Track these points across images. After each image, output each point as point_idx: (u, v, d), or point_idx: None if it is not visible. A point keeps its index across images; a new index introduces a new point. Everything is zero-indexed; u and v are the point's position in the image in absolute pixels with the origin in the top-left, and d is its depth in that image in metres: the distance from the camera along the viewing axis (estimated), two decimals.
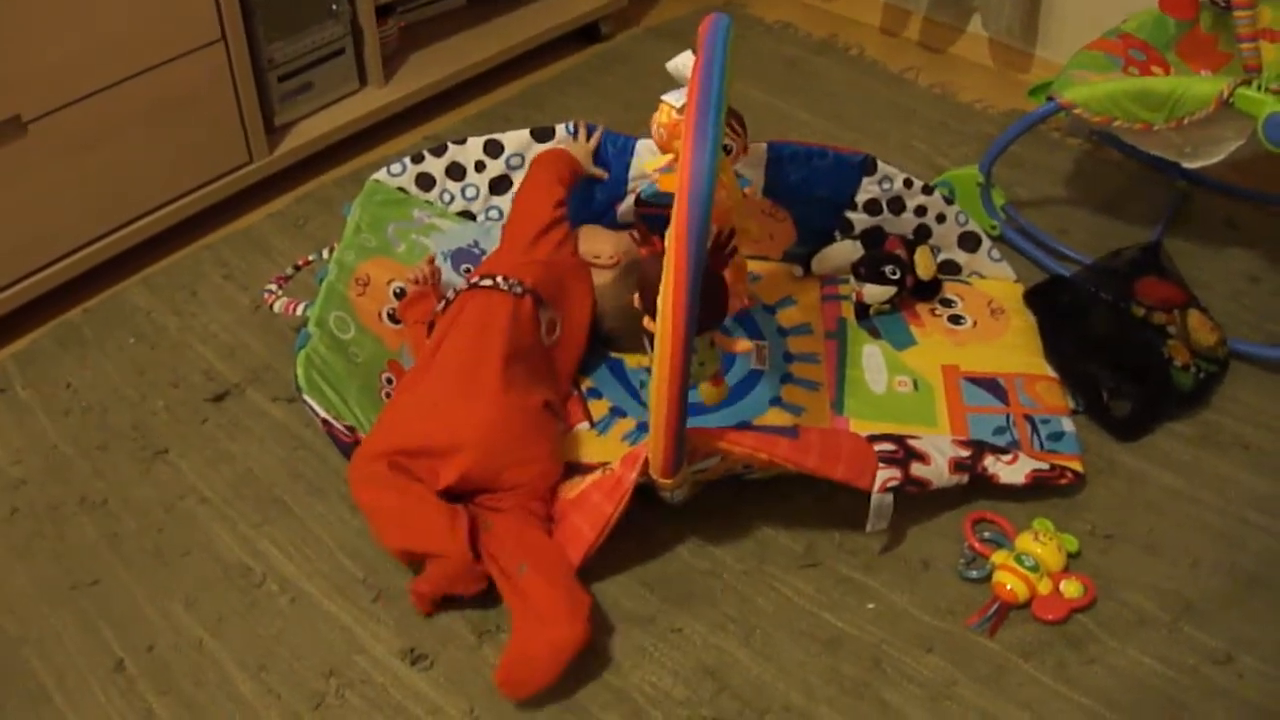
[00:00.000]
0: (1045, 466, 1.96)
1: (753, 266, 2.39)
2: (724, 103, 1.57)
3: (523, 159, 2.41)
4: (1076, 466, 1.98)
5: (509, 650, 1.71)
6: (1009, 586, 1.80)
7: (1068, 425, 2.06)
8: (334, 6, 2.65)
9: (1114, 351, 2.12)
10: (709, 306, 1.62)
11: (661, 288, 1.56)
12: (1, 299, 2.25)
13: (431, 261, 2.22)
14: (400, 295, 2.21)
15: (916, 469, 1.87)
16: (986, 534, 1.90)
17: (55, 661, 1.76)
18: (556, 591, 1.72)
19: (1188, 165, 2.15)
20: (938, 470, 1.89)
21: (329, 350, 2.03)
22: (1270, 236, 2.51)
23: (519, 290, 2.02)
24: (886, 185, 2.31)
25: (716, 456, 1.80)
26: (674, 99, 1.88)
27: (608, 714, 1.68)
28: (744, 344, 1.96)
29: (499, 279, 2.04)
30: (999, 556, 1.84)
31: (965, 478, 1.92)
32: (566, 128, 2.39)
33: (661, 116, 1.89)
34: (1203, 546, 1.91)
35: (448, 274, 2.30)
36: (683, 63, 1.88)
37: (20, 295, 2.28)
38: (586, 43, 3.27)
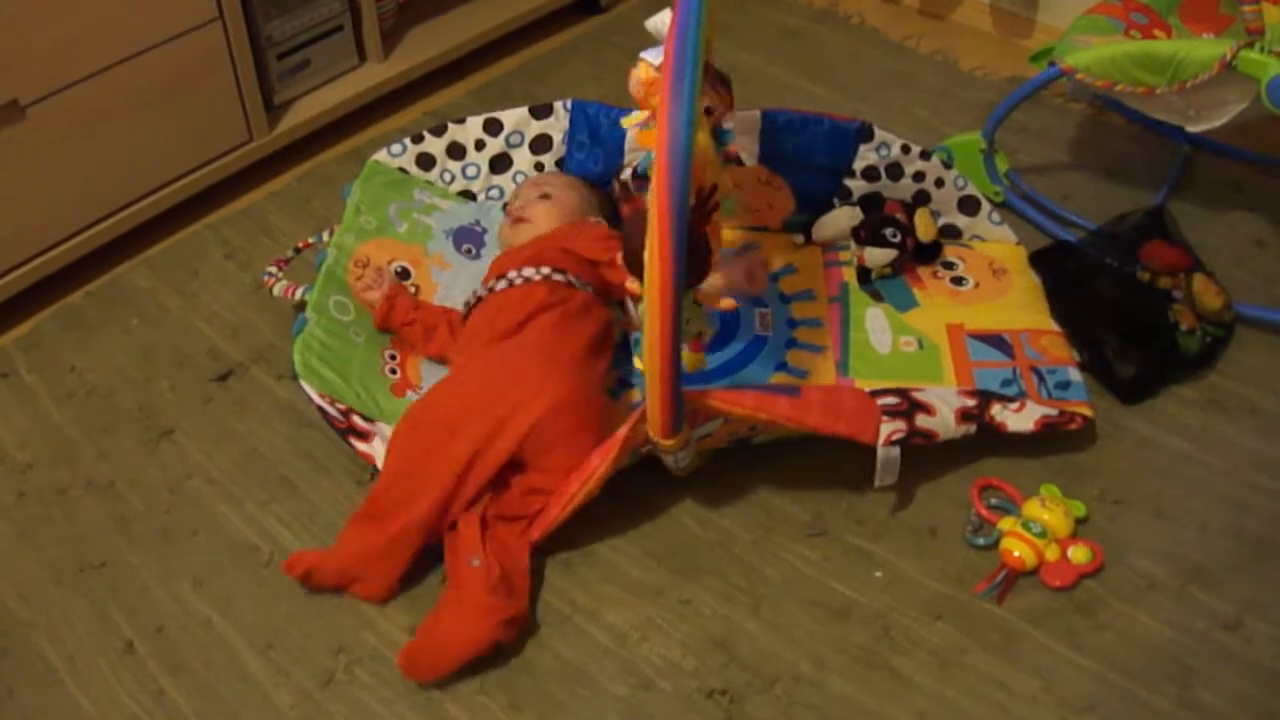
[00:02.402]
0: (1054, 412, 1.95)
1: (752, 236, 2.38)
2: (700, 56, 1.56)
3: (522, 136, 2.41)
4: (1086, 411, 1.97)
5: (421, 632, 1.72)
6: (1017, 553, 1.80)
7: (1075, 375, 2.05)
8: None
9: (1119, 316, 2.11)
10: (690, 263, 1.61)
11: (647, 241, 1.55)
12: (3, 284, 2.25)
13: (379, 270, 2.17)
14: (402, 274, 2.21)
15: (922, 420, 1.86)
16: (993, 501, 1.90)
17: (65, 644, 1.76)
18: (494, 596, 1.72)
19: (1191, 129, 2.14)
20: (944, 421, 1.88)
21: (327, 334, 2.04)
22: (1275, 199, 2.50)
23: (589, 289, 2.05)
24: (884, 152, 2.30)
25: (719, 420, 1.80)
26: (652, 56, 1.86)
27: (616, 685, 1.69)
28: (728, 301, 1.94)
29: (571, 277, 2.05)
30: (1006, 523, 1.84)
31: (973, 428, 1.91)
32: (564, 105, 2.38)
33: (640, 73, 1.88)
34: (1211, 511, 1.91)
35: (449, 253, 2.30)
36: (661, 21, 1.86)
37: (22, 279, 2.27)
38: (586, 14, 3.25)
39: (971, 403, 1.93)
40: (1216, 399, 2.08)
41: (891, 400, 1.88)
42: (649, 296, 1.57)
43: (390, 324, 2.12)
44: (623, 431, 1.75)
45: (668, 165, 1.51)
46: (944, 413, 1.89)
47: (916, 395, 1.90)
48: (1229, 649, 1.71)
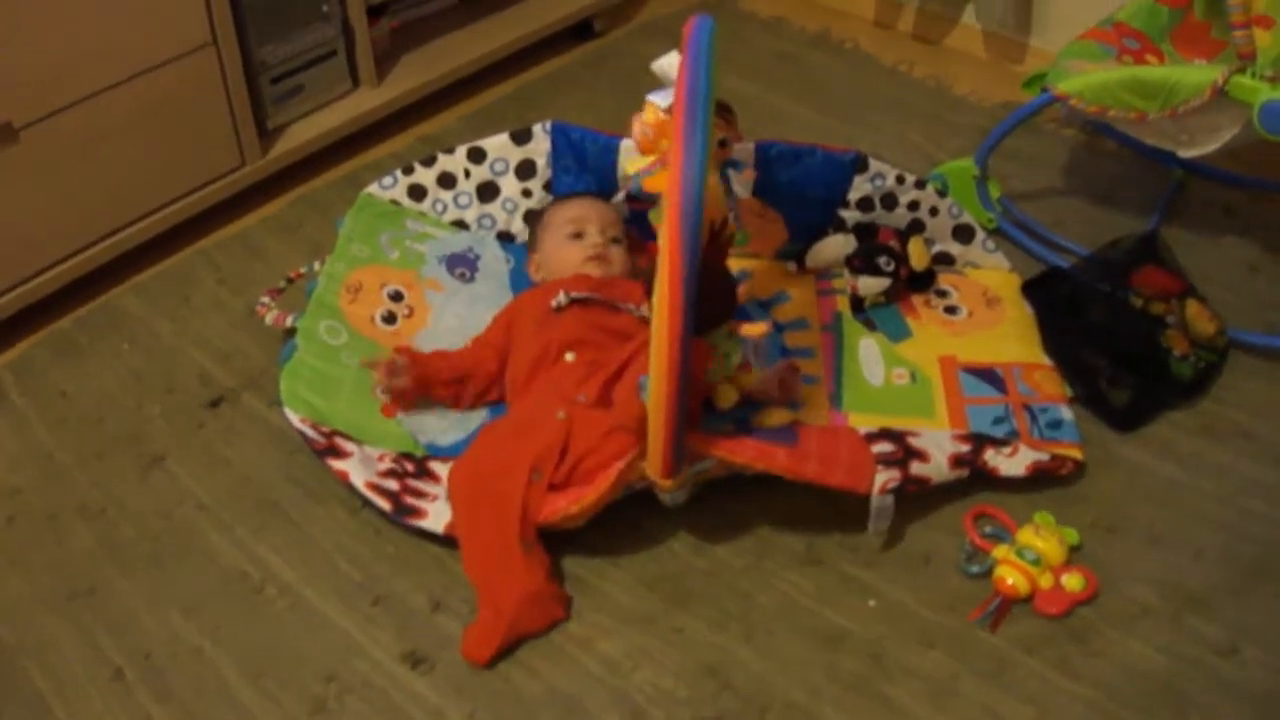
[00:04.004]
0: (1045, 457, 1.95)
1: (745, 263, 2.38)
2: (711, 106, 1.56)
3: (506, 164, 2.40)
4: (1076, 455, 1.97)
5: (487, 616, 1.75)
6: (1010, 581, 1.79)
7: (1066, 413, 2.05)
8: (325, 8, 2.64)
9: (1112, 342, 2.11)
10: (720, 299, 1.61)
11: (656, 287, 1.55)
12: None
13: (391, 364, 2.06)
14: (396, 297, 2.21)
15: (916, 468, 1.86)
16: (987, 529, 1.89)
17: (54, 670, 1.75)
18: (553, 583, 1.80)
19: (1184, 154, 2.15)
20: (937, 467, 1.88)
21: (317, 359, 2.04)
22: (1268, 224, 2.51)
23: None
24: (879, 182, 2.30)
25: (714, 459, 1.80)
26: (659, 99, 1.87)
27: (608, 714, 1.68)
28: (753, 327, 1.93)
29: (637, 307, 2.05)
30: (1000, 551, 1.83)
31: (965, 472, 1.91)
32: (543, 127, 2.38)
33: (647, 116, 1.88)
34: (1205, 537, 1.90)
35: (443, 277, 2.30)
36: (668, 63, 1.87)
37: (12, 304, 2.27)
38: (579, 40, 3.26)
39: (965, 448, 1.93)
40: (1210, 425, 2.08)
41: (887, 448, 1.87)
42: (656, 339, 1.57)
43: (431, 396, 2.07)
44: (616, 468, 1.75)
45: (680, 213, 1.51)
46: (938, 458, 1.89)
47: (912, 441, 1.90)
48: (1224, 675, 1.71)
